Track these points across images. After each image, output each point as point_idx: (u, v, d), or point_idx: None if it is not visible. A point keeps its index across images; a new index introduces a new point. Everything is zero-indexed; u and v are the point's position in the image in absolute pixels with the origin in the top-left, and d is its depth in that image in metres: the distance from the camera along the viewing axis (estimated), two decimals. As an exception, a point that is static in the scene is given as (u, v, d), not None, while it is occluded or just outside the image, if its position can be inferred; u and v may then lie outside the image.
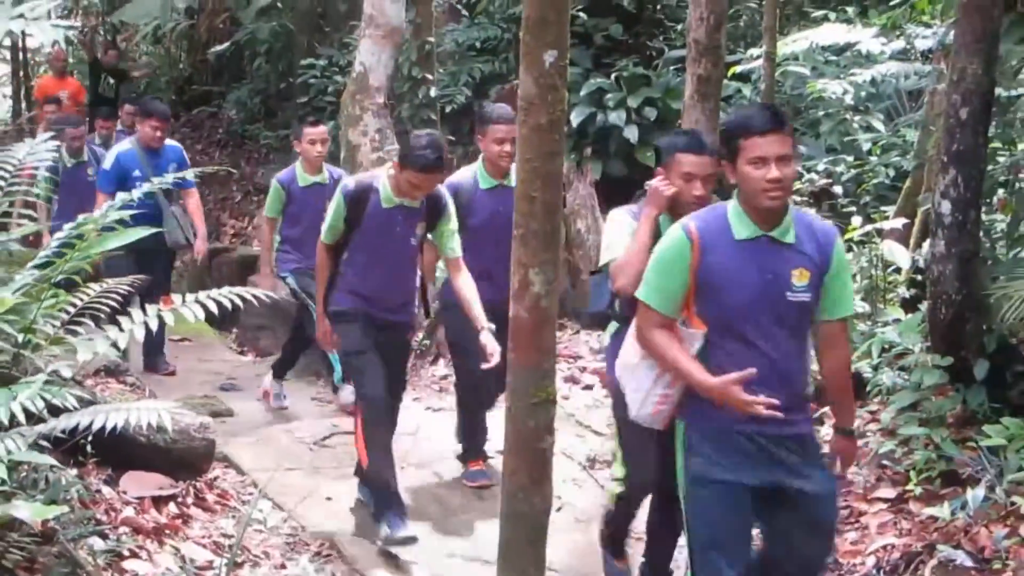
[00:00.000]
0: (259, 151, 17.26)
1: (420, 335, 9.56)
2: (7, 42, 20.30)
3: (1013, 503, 5.50)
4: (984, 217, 7.45)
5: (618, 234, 5.25)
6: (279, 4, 16.63)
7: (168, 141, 9.81)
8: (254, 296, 5.44)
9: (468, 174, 7.19)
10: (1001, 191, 7.66)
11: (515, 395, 4.11)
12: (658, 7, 14.56)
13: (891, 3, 9.87)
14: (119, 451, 5.90)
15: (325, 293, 6.64)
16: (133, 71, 17.82)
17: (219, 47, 17.21)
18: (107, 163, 9.46)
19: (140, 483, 6.07)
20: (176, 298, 5.29)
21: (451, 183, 7.00)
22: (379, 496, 6.40)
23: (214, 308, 5.25)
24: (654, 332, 4.36)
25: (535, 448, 4.14)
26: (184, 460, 6.45)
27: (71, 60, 20.42)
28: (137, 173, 9.13)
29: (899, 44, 9.57)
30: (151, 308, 5.26)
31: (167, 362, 10.03)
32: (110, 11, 18.77)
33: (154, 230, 6.68)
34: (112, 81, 16.18)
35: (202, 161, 17.33)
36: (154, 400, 6.64)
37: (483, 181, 7.11)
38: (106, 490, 5.84)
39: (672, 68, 13.18)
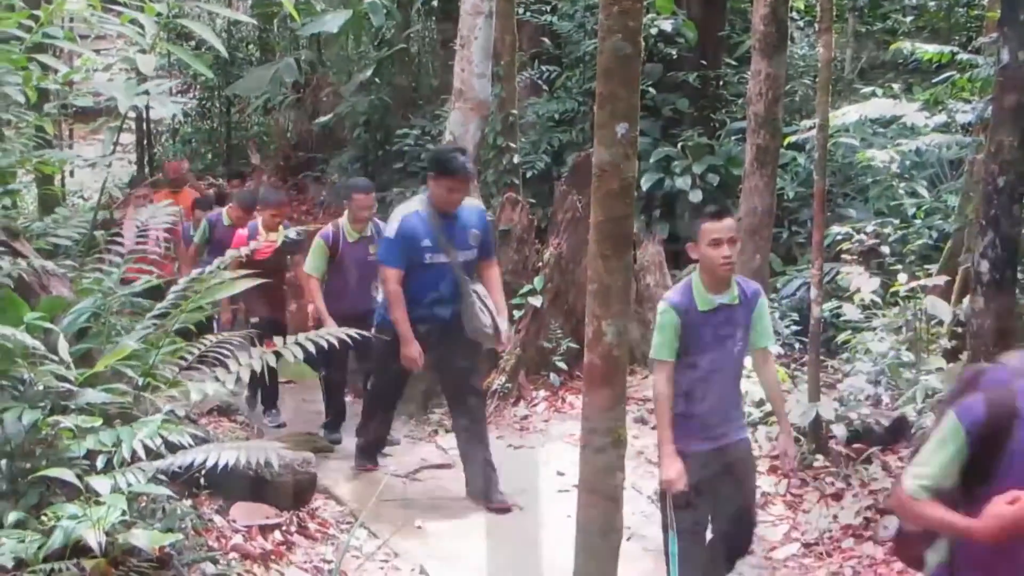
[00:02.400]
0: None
1: (502, 378, 9.62)
2: (131, 114, 20.77)
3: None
4: (1020, 275, 7.42)
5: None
6: (377, 80, 16.85)
7: (468, 201, 7.54)
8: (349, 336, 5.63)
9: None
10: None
11: (588, 436, 4.15)
12: (721, 83, 14.62)
13: (934, 80, 9.84)
14: (230, 483, 5.99)
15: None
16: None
17: (323, 118, 17.46)
18: (391, 230, 7.35)
19: (248, 513, 6.16)
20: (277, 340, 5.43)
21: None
22: None
23: (312, 348, 5.39)
24: None
25: (607, 484, 4.17)
26: (288, 492, 6.53)
27: (188, 129, 20.85)
28: (427, 243, 7.29)
29: (941, 118, 9.54)
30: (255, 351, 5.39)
31: (278, 411, 9.87)
32: (225, 85, 19.12)
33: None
34: None
35: (305, 221, 17.59)
36: (262, 440, 6.75)
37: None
38: (217, 519, 5.93)
39: (733, 138, 13.21)
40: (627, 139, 4.02)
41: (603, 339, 4.02)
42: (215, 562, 5.28)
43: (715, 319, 5.26)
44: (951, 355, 7.76)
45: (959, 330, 7.56)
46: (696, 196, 12.43)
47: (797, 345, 9.90)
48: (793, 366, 9.37)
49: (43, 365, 4.77)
